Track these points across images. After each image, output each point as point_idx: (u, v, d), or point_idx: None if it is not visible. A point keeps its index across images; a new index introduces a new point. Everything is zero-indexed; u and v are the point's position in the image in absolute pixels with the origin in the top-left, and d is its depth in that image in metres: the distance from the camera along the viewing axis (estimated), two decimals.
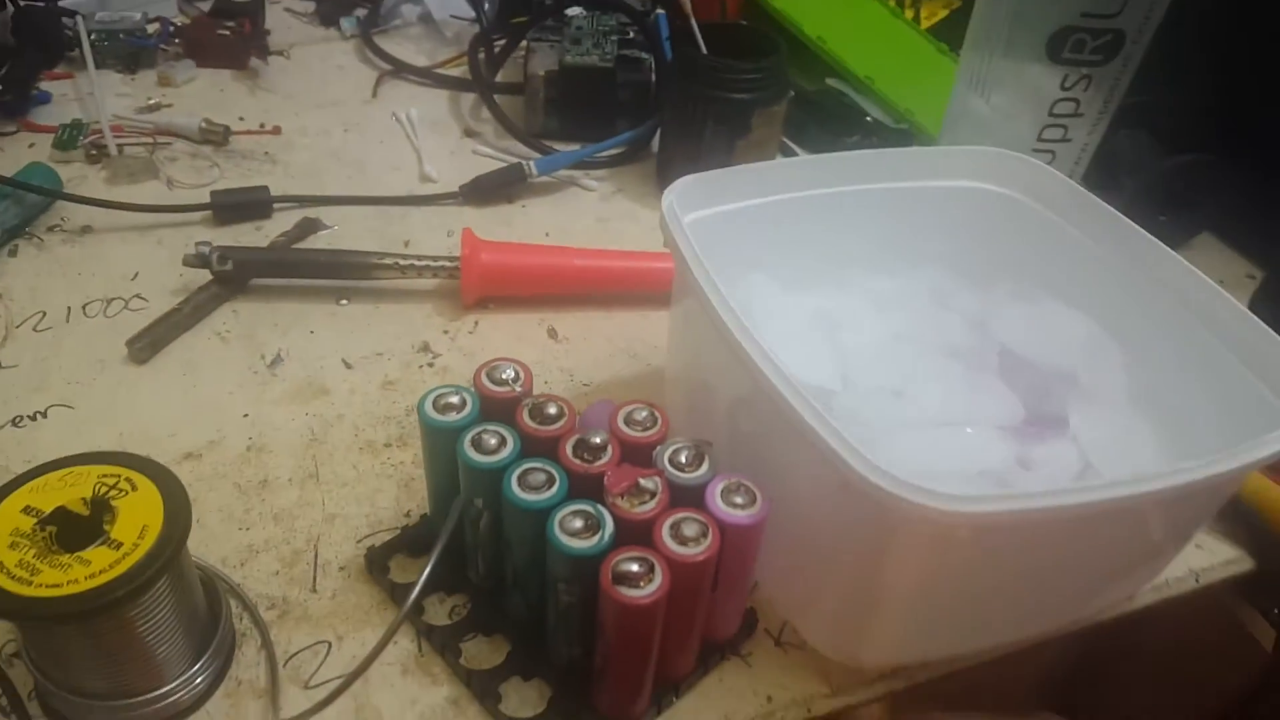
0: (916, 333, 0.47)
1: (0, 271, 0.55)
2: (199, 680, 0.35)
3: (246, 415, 0.48)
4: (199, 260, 0.53)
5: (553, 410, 0.37)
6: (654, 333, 0.55)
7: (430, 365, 0.52)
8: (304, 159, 0.67)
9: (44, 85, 0.70)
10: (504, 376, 0.38)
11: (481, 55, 0.75)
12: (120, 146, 0.64)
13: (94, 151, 0.64)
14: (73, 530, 0.32)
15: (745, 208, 0.46)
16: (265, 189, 0.60)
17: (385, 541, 0.41)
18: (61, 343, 0.51)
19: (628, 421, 0.37)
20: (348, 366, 0.51)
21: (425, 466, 0.40)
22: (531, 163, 0.64)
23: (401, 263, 0.54)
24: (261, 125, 0.69)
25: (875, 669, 0.39)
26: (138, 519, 0.32)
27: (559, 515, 0.33)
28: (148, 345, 0.49)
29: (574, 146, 0.68)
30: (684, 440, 0.36)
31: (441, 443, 0.37)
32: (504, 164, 0.65)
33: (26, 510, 0.32)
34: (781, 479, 0.34)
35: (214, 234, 0.59)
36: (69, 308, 0.53)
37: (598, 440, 0.35)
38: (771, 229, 0.46)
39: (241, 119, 0.69)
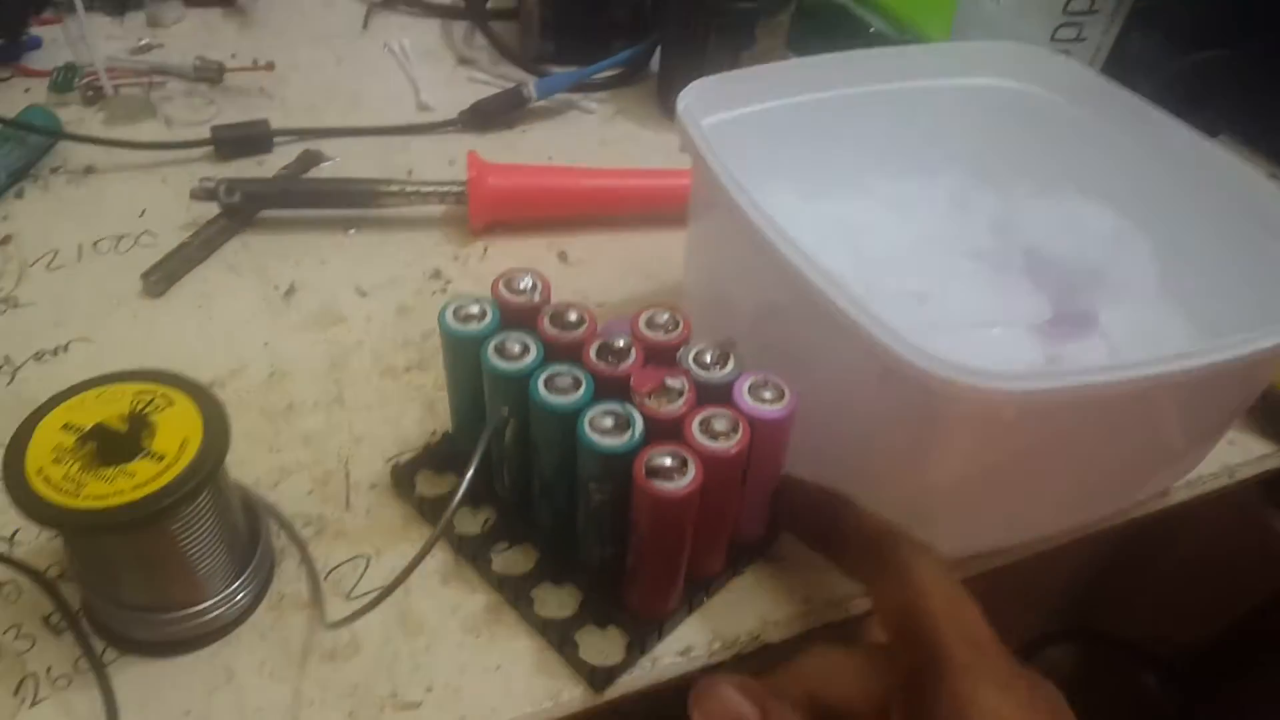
0: (938, 236, 0.47)
1: (8, 214, 0.55)
2: (242, 595, 0.36)
3: (266, 344, 0.48)
4: (206, 194, 0.52)
5: (573, 317, 0.37)
6: (666, 251, 0.55)
7: (443, 291, 0.52)
8: (299, 94, 0.66)
9: (33, 30, 0.69)
10: (522, 286, 0.38)
11: None
12: (116, 87, 0.63)
13: (90, 93, 0.63)
14: (112, 446, 0.32)
15: (759, 111, 0.45)
16: (265, 122, 0.60)
17: (410, 459, 0.42)
18: (76, 280, 0.51)
19: (650, 325, 0.37)
20: (361, 294, 0.51)
21: (447, 381, 0.40)
22: (531, 85, 0.63)
23: (408, 189, 0.54)
24: (255, 62, 0.68)
25: None
26: (178, 433, 0.32)
27: (589, 415, 0.33)
28: (162, 278, 0.49)
29: (572, 70, 0.67)
30: (708, 341, 0.36)
31: (463, 354, 0.37)
32: (501, 90, 0.65)
33: (66, 427, 0.32)
34: (814, 377, 0.35)
35: (217, 170, 0.58)
36: (80, 246, 0.53)
37: (621, 344, 0.36)
38: (787, 134, 0.46)
39: (234, 56, 0.68)
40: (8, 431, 0.42)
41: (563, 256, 0.55)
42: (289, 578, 0.38)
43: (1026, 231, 0.47)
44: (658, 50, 0.68)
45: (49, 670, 0.35)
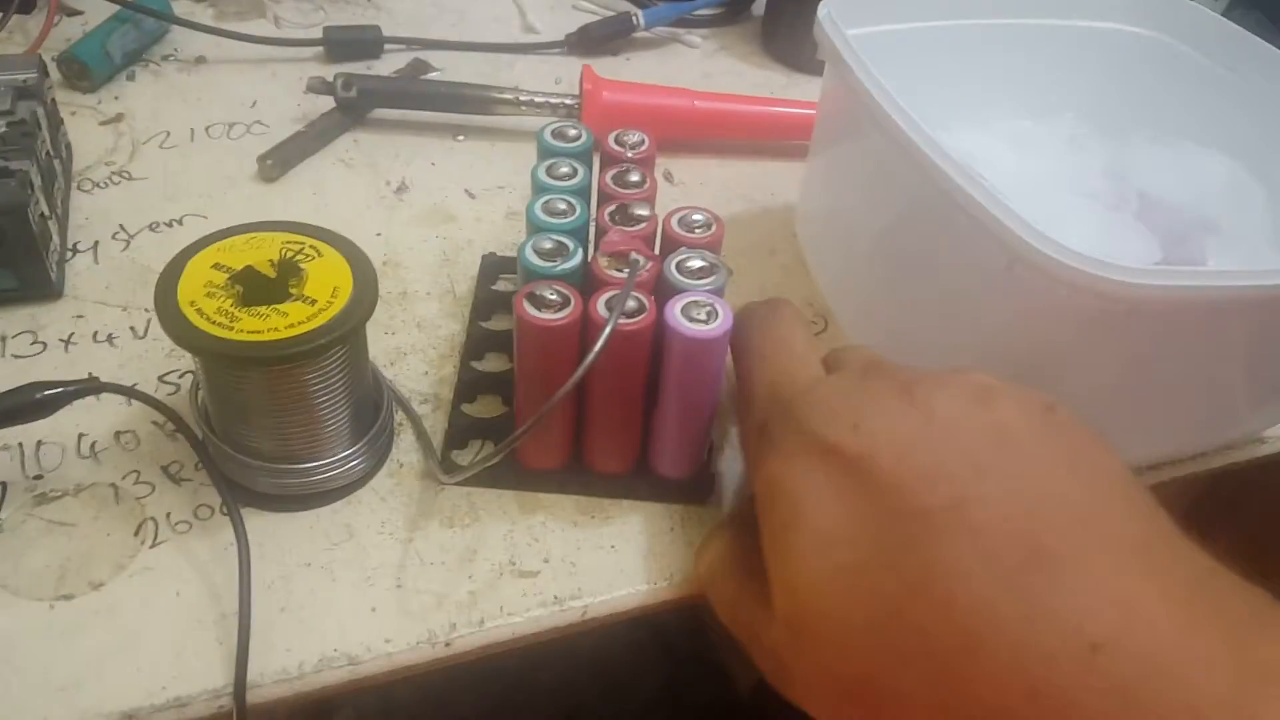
0: (1053, 176, 0.47)
1: (120, 93, 0.55)
2: (364, 458, 0.36)
3: (379, 234, 0.48)
4: (324, 86, 0.53)
5: (635, 176, 0.38)
6: (771, 181, 0.55)
7: None
8: (406, 6, 0.66)
9: None
10: (629, 139, 0.40)
11: None
12: None
13: None
14: (260, 290, 0.32)
15: (889, 32, 0.45)
16: (377, 28, 0.60)
17: None
18: (188, 160, 0.51)
19: (682, 223, 0.36)
20: (471, 196, 0.51)
21: None
22: (640, 14, 0.63)
23: (521, 98, 0.54)
24: None
25: None
26: (328, 281, 0.33)
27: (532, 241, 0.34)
28: (278, 164, 0.50)
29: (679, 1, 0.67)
30: (712, 256, 0.34)
31: None
32: (606, 17, 0.65)
33: (217, 266, 0.33)
34: (940, 286, 0.35)
35: (325, 70, 0.59)
36: (191, 129, 0.53)
37: (643, 212, 0.36)
38: (913, 59, 0.45)
39: None
40: (127, 291, 0.44)
41: (668, 176, 0.54)
42: (406, 449, 0.38)
43: (1141, 176, 0.47)
44: None
45: (168, 515, 0.35)
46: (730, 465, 0.39)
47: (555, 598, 0.34)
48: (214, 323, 0.31)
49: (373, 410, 0.37)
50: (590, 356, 0.30)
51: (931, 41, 0.47)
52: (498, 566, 0.35)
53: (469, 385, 0.40)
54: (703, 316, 0.31)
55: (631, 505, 0.37)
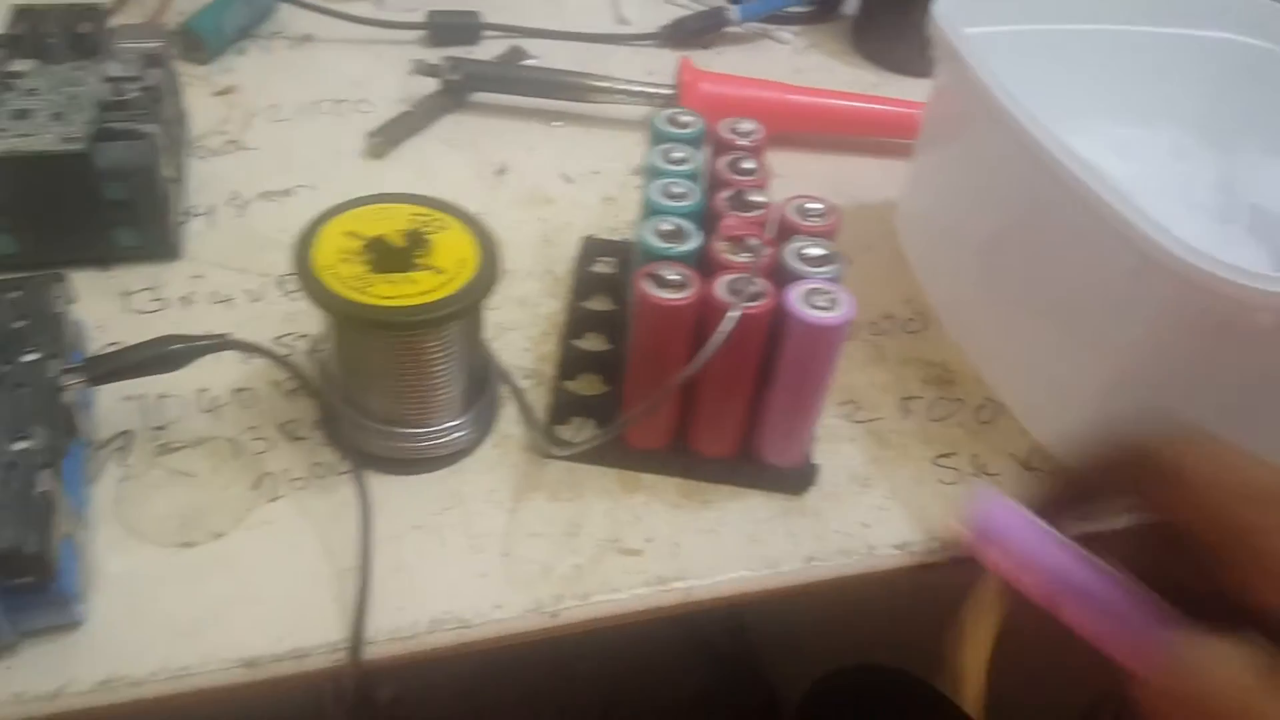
0: (1160, 185, 0.47)
1: (232, 67, 0.57)
2: (472, 427, 0.37)
3: (480, 214, 0.49)
4: (429, 69, 0.54)
5: (749, 163, 0.38)
6: (865, 177, 0.55)
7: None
8: None
9: None
10: (742, 128, 0.41)
11: None
12: None
13: None
14: (389, 258, 0.33)
15: (993, 34, 0.45)
16: (477, 14, 0.61)
17: None
18: (298, 133, 0.52)
19: (799, 210, 0.37)
20: (568, 181, 0.52)
21: None
22: (734, 8, 0.64)
23: (619, 87, 0.55)
24: None
25: None
26: (455, 253, 0.33)
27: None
28: (385, 141, 0.51)
29: None
30: (829, 244, 0.35)
31: None
32: (699, 11, 0.65)
33: (349, 234, 0.34)
34: (1057, 287, 0.34)
35: (426, 53, 0.60)
36: (300, 104, 0.54)
37: (758, 198, 0.36)
38: (1017, 61, 0.45)
39: None
40: (243, 255, 0.45)
41: None
42: (509, 421, 0.39)
43: (1252, 189, 0.46)
44: None
45: (285, 471, 0.36)
46: (830, 458, 0.39)
47: (659, 577, 0.34)
48: (350, 287, 0.32)
49: (481, 382, 0.38)
50: (717, 337, 0.30)
51: (1037, 44, 0.47)
52: (601, 543, 0.35)
53: (571, 363, 0.41)
54: (824, 304, 0.32)
55: (732, 491, 0.38)
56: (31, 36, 0.44)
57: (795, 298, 0.32)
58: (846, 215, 0.53)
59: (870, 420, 0.41)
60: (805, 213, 0.36)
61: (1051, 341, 0.39)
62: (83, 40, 0.44)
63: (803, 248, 0.34)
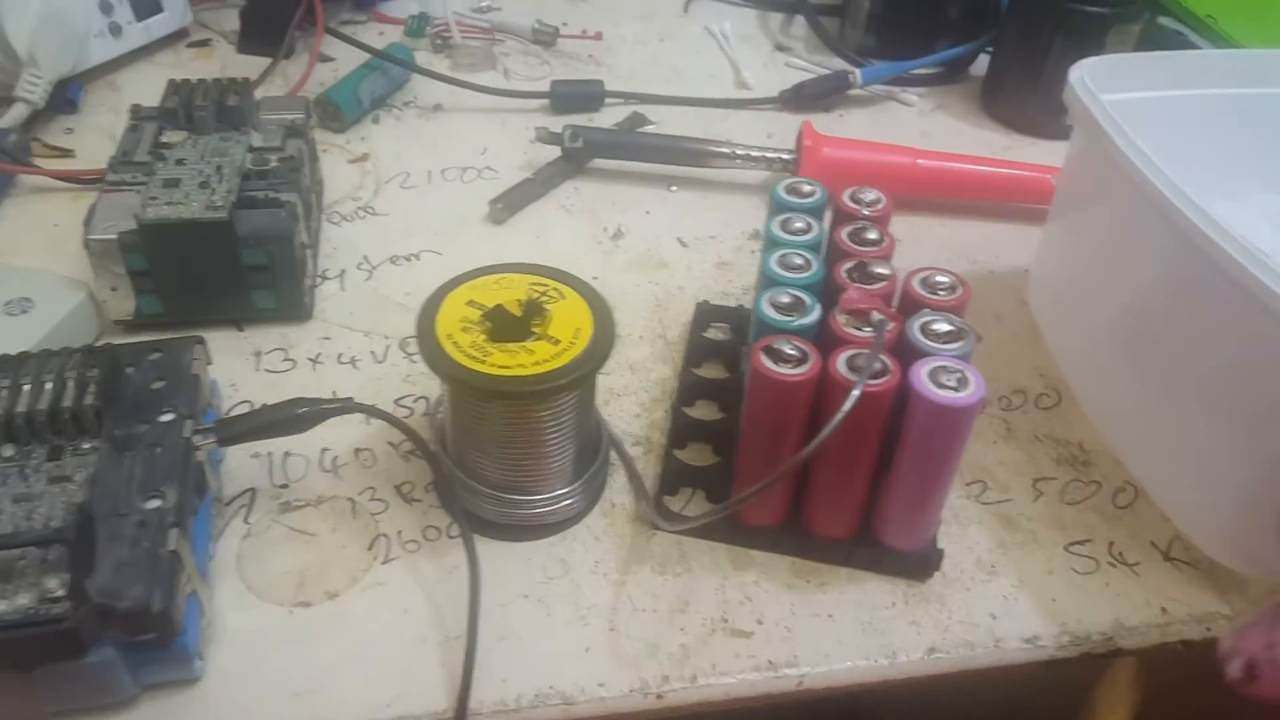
0: None
1: (367, 135, 0.59)
2: (581, 496, 0.37)
3: (595, 278, 0.49)
4: (551, 137, 0.55)
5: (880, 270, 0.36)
6: (994, 243, 0.53)
7: (760, 251, 0.52)
8: (624, 63, 0.69)
9: None
10: (865, 197, 0.40)
11: None
12: (463, 38, 0.68)
13: (439, 41, 0.68)
14: (507, 328, 0.34)
15: (1136, 100, 0.43)
16: (600, 83, 0.63)
17: None
18: (425, 199, 0.54)
19: (925, 284, 0.35)
20: (683, 245, 0.52)
21: None
22: (857, 72, 0.63)
23: (738, 152, 0.55)
24: (584, 31, 0.71)
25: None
26: (571, 322, 0.34)
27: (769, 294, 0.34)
28: (506, 207, 0.52)
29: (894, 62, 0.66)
30: (959, 320, 0.33)
31: None
32: (821, 75, 0.65)
33: (470, 304, 0.34)
34: (1199, 367, 0.32)
35: (549, 120, 0.61)
36: (429, 171, 0.56)
37: (883, 270, 0.35)
38: (1162, 127, 0.43)
39: (565, 24, 0.72)
40: (369, 318, 0.46)
41: None
42: (618, 489, 0.39)
43: None
44: (983, 51, 0.66)
45: (399, 533, 0.37)
46: (955, 542, 0.37)
47: (770, 662, 0.33)
48: (469, 356, 0.32)
49: (592, 449, 0.38)
50: (838, 417, 0.29)
51: (1182, 109, 0.44)
52: (709, 622, 0.34)
53: (681, 431, 0.41)
54: (953, 383, 0.30)
55: (849, 574, 0.36)
56: (183, 109, 0.47)
57: (921, 376, 0.30)
58: (974, 281, 0.50)
59: (999, 502, 0.39)
60: (933, 286, 0.35)
61: (1198, 423, 0.36)
62: (230, 112, 0.47)
63: (930, 322, 0.33)
